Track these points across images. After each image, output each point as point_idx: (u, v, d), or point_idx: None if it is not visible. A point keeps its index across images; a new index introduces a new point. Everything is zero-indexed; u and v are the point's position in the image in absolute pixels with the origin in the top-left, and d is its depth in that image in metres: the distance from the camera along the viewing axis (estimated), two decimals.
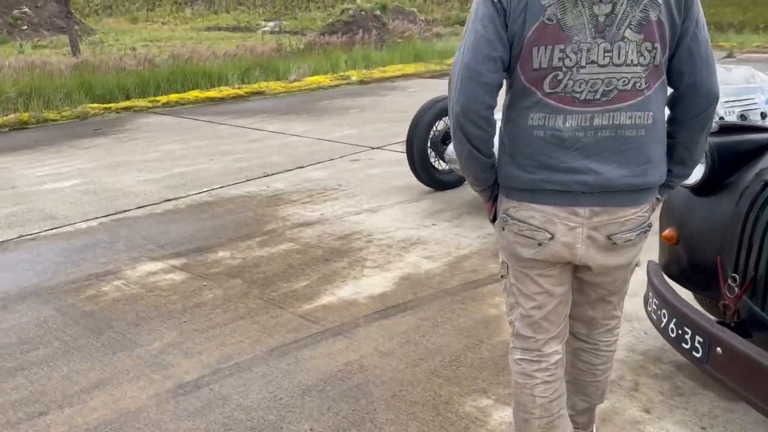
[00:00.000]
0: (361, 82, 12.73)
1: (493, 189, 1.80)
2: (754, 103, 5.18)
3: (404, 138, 5.39)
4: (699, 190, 2.58)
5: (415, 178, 5.37)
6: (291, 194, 5.44)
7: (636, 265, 1.86)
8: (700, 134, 1.73)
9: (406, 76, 13.33)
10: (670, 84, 1.69)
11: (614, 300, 1.92)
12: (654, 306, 2.58)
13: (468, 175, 1.78)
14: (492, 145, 1.71)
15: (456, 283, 3.62)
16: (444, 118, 5.22)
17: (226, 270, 3.91)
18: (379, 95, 11.02)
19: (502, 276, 1.89)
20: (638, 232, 1.73)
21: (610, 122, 1.62)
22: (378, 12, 17.02)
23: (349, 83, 12.54)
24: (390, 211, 4.90)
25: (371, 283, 3.65)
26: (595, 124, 1.62)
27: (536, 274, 1.78)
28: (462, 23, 24.03)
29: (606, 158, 1.63)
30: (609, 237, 1.70)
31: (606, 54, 1.58)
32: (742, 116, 5.05)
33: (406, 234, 4.41)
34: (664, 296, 2.51)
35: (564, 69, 1.59)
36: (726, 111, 4.97)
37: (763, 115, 5.15)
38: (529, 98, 1.64)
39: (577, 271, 1.83)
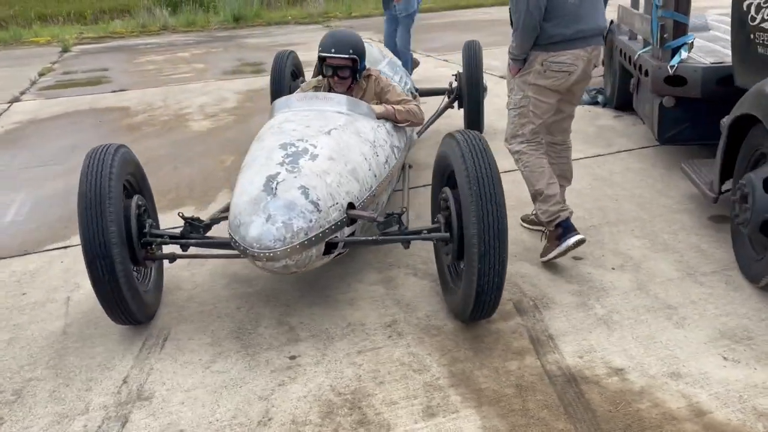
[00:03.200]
0: None
1: (525, 58, 3.15)
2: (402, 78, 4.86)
3: None
4: None
5: (110, 319, 2.82)
6: None
7: None
8: None
9: None
10: None
11: (573, 112, 3.46)
12: None
13: (524, 45, 3.07)
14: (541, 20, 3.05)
15: None
16: (137, 198, 2.86)
17: None
18: None
19: (522, 106, 3.20)
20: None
21: None
22: None
23: None
24: (161, 387, 2.53)
25: None
26: None
27: (547, 101, 3.16)
28: None
29: (593, 14, 3.09)
30: (596, 65, 3.22)
31: None
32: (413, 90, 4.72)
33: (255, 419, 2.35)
34: None
35: None
36: (411, 90, 4.52)
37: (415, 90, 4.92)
38: None
39: (567, 98, 3.27)
